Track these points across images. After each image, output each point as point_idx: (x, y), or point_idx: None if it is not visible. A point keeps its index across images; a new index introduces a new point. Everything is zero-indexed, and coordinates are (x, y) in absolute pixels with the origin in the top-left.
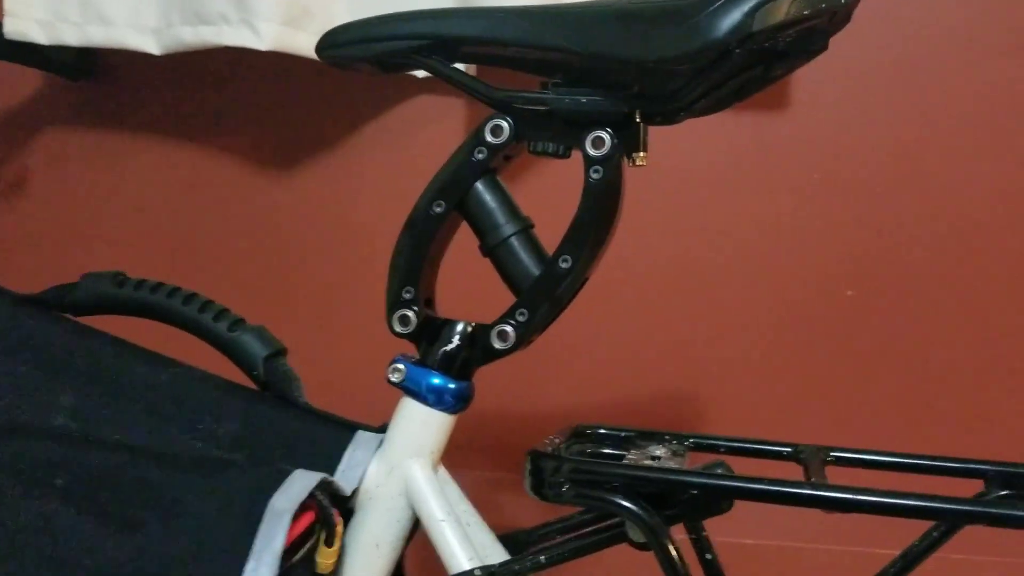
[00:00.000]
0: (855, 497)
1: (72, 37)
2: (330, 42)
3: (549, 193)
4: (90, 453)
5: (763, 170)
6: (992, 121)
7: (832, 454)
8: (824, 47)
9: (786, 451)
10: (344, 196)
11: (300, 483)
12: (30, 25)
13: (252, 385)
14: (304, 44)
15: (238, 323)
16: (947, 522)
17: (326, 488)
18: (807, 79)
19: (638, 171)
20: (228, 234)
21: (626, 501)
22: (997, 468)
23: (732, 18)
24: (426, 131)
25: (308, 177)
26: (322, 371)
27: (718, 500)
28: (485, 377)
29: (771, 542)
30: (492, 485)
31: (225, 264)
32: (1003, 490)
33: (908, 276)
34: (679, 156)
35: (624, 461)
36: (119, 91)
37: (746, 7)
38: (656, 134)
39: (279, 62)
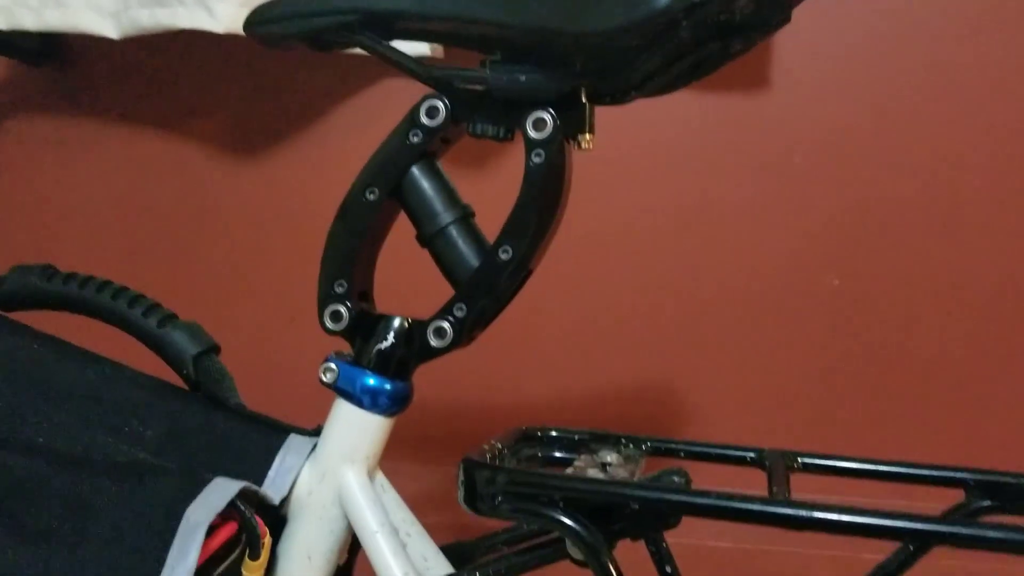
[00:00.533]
0: (811, 514)
1: (30, 21)
2: (257, 18)
3: (496, 179)
4: (2, 456)
5: (741, 153)
6: (983, 100)
7: (800, 460)
8: (786, 20)
9: (750, 456)
10: (310, 183)
11: (218, 492)
12: None
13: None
14: None
15: (168, 319)
16: (913, 542)
17: (250, 497)
18: (788, 57)
19: (606, 154)
20: (193, 222)
21: (563, 516)
22: (978, 477)
23: None
24: (393, 117)
25: (274, 163)
26: (289, 367)
27: (665, 514)
28: (452, 367)
29: (736, 545)
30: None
31: (189, 254)
32: (984, 501)
33: (897, 264)
34: (652, 137)
35: (568, 470)
36: (83, 77)
37: None
38: (626, 114)
39: (245, 47)
